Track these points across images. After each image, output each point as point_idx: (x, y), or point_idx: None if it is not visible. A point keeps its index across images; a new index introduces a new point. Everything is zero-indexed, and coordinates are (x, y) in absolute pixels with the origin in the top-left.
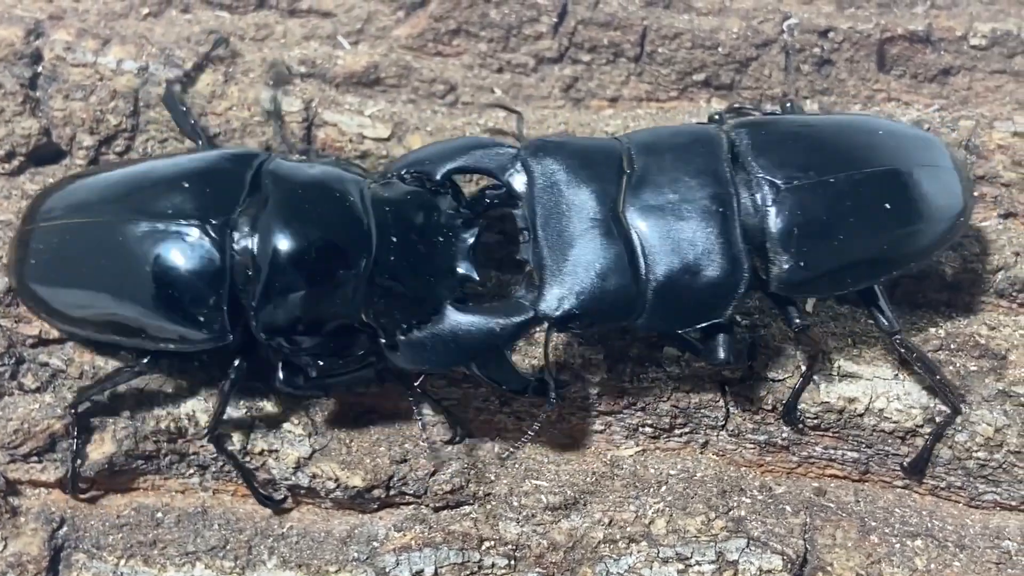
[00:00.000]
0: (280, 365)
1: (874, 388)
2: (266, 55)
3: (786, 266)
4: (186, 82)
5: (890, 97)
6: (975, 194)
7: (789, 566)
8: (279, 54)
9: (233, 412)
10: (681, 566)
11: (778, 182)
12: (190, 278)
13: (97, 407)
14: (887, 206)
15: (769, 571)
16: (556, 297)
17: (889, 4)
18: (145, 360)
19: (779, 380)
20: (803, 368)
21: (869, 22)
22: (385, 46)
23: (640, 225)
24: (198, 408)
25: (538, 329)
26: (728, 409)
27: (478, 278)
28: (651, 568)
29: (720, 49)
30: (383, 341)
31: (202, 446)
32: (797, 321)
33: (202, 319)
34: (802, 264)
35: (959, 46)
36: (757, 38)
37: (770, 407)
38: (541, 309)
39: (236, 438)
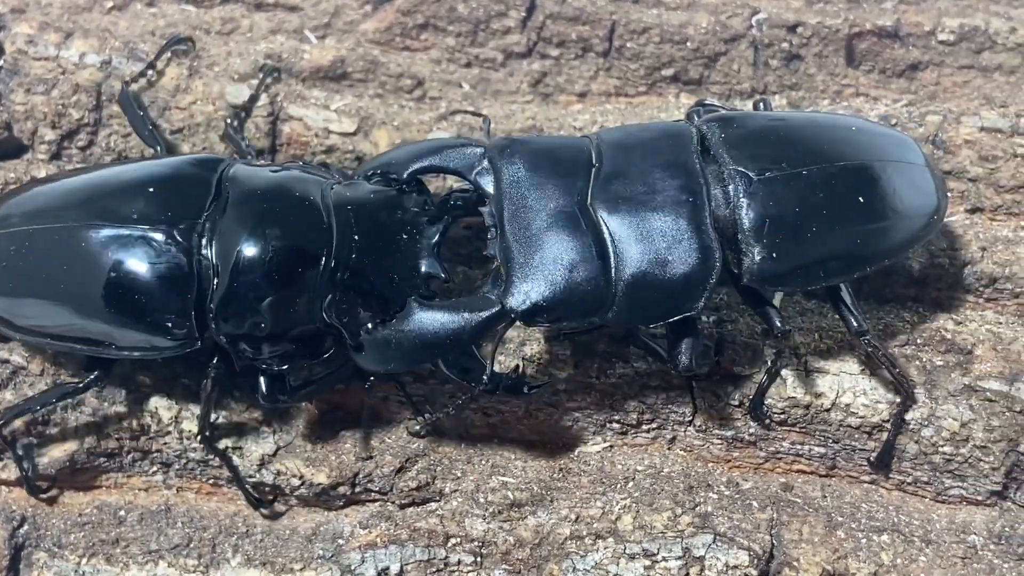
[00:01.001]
0: (261, 381)
1: (840, 383)
2: (232, 49)
3: (758, 258)
4: (149, 80)
5: (859, 92)
6: (947, 193)
7: (755, 561)
8: (245, 48)
9: (197, 410)
10: (648, 562)
11: (750, 174)
12: (157, 284)
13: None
14: (860, 200)
15: (735, 567)
16: (523, 291)
17: None
18: (88, 379)
19: (746, 376)
20: (769, 364)
21: (838, 17)
22: (352, 40)
23: (608, 217)
24: (160, 405)
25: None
26: (695, 405)
27: (443, 275)
28: (618, 564)
29: (689, 44)
30: (349, 343)
31: (165, 443)
32: (779, 325)
33: (169, 325)
34: (774, 255)
35: (927, 41)
36: (726, 33)
37: (737, 403)
38: (508, 303)
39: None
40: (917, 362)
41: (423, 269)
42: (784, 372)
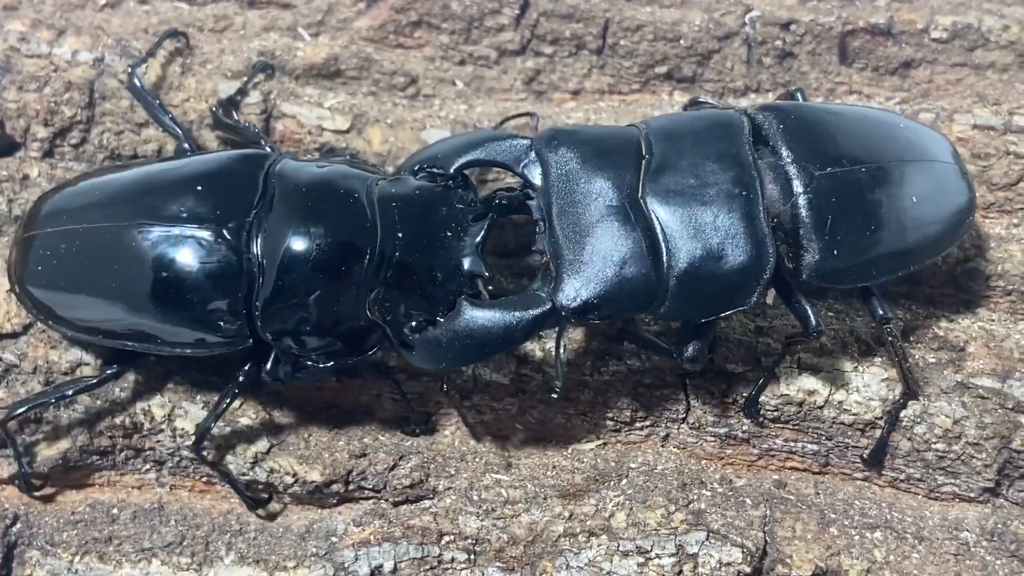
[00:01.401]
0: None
1: (833, 380)
2: (225, 47)
3: (819, 254)
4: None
5: (852, 90)
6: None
7: (748, 559)
8: (238, 46)
9: (190, 408)
10: (641, 559)
11: (812, 168)
12: (209, 282)
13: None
14: (914, 199)
15: (728, 564)
16: (573, 288)
17: None
18: (103, 374)
19: (739, 373)
20: (763, 361)
21: (831, 15)
22: (346, 38)
23: (660, 211)
24: (154, 403)
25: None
26: (689, 402)
27: (487, 274)
28: (611, 561)
29: (682, 42)
30: (395, 340)
31: (158, 441)
32: (814, 324)
33: (221, 323)
34: (835, 252)
35: (920, 39)
36: (719, 30)
37: (731, 400)
38: (558, 301)
39: (193, 433)
40: (910, 359)
41: (466, 267)
42: (777, 369)
